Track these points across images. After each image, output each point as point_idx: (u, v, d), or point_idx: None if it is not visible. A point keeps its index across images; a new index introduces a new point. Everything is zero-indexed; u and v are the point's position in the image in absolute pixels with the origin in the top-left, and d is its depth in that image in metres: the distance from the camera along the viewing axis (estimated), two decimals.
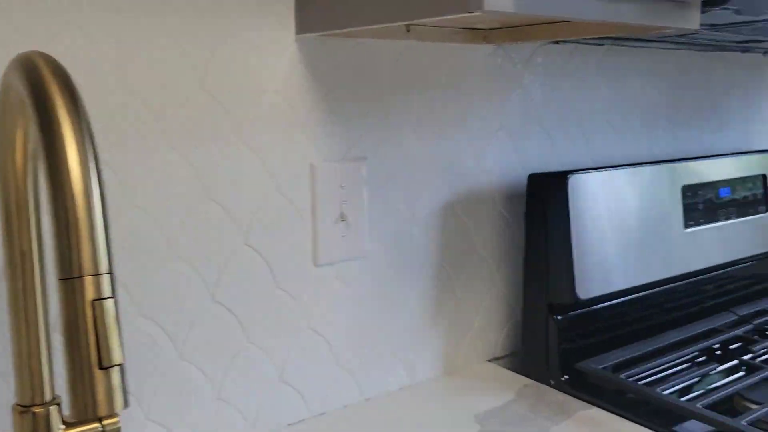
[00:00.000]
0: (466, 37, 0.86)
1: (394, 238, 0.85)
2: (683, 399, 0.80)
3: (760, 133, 1.34)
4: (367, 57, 0.80)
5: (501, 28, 0.85)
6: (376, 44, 0.80)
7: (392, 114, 0.83)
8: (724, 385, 0.82)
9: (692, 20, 0.66)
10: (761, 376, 0.85)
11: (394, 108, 0.83)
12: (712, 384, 0.89)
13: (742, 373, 0.91)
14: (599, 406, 0.83)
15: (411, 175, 0.86)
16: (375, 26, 0.61)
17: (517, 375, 0.93)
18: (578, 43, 1.01)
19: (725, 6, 0.66)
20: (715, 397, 0.79)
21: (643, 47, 1.10)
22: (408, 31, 0.81)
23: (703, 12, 0.67)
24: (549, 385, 0.89)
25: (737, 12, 0.70)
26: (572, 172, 0.87)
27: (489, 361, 0.98)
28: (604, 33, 0.74)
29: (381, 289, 0.85)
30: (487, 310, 0.97)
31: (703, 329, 1.00)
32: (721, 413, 0.74)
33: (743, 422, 0.72)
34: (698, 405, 0.75)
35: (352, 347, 0.84)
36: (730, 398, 0.83)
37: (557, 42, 0.98)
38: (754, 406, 0.79)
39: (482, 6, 0.49)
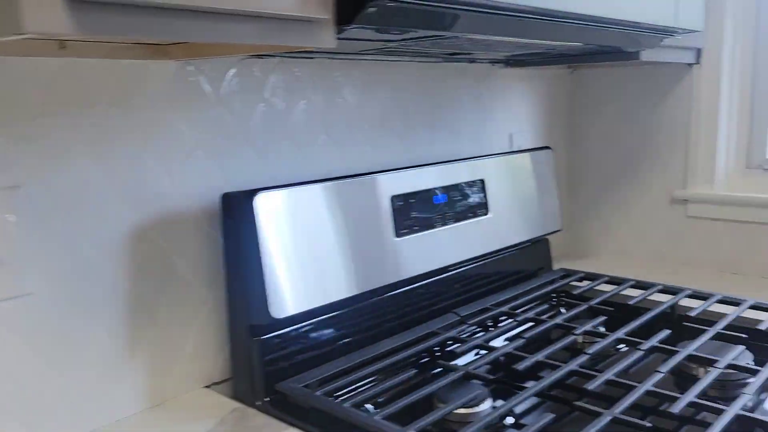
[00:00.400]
0: (141, 53, 0.82)
1: (69, 272, 0.79)
2: (380, 408, 0.81)
3: (492, 140, 1.42)
4: (9, 76, 0.72)
5: (177, 43, 0.82)
6: (23, 62, 0.73)
7: (55, 137, 0.77)
8: (423, 388, 0.84)
9: (327, 39, 0.66)
10: (454, 376, 0.89)
11: (57, 130, 0.77)
12: (417, 389, 0.91)
13: (452, 373, 0.94)
14: (298, 427, 0.82)
15: (87, 201, 0.80)
16: None
17: (229, 400, 0.90)
18: (283, 56, 1.00)
19: (360, 25, 0.67)
20: (410, 400, 0.81)
21: (360, 60, 1.12)
22: (63, 47, 0.75)
23: (340, 31, 0.68)
24: (256, 407, 0.87)
25: (378, 31, 0.71)
26: (261, 189, 0.85)
27: (206, 387, 0.95)
28: (264, 50, 0.73)
29: (55, 330, 0.78)
30: (200, 335, 0.93)
31: (421, 333, 1.03)
32: (417, 418, 0.76)
33: (413, 430, 0.74)
34: (376, 417, 0.76)
35: (18, 398, 0.76)
36: (429, 401, 0.85)
37: (260, 56, 0.97)
38: (441, 405, 0.81)
39: (23, 28, 0.45)
